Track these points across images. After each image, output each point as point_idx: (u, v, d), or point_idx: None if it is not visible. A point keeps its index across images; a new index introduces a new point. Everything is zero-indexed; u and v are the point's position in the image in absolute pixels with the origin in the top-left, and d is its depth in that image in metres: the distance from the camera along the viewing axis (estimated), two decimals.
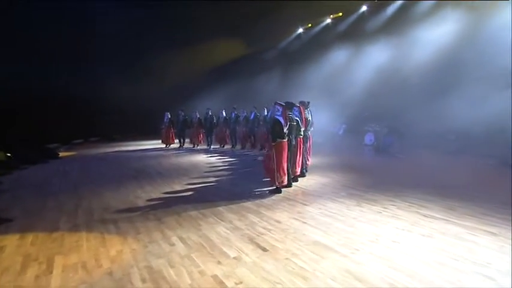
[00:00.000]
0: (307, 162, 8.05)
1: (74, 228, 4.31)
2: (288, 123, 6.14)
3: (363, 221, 4.43)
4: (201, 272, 3.09)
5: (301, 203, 5.37)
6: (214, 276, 3.01)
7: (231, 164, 9.61)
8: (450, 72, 10.91)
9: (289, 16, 16.78)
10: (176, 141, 14.43)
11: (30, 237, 3.96)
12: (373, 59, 14.39)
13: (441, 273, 2.99)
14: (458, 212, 4.66)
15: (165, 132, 14.35)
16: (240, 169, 8.68)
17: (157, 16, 14.84)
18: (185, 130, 14.19)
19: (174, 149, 13.83)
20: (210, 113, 14.04)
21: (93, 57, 15.26)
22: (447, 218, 4.43)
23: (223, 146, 13.85)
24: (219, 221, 4.55)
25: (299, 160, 6.95)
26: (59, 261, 3.33)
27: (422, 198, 5.39)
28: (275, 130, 5.85)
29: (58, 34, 13.60)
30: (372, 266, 3.14)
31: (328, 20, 16.89)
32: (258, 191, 6.12)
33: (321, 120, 14.54)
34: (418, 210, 4.82)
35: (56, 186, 6.77)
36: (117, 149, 13.90)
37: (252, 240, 3.84)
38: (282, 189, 6.15)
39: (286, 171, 6.02)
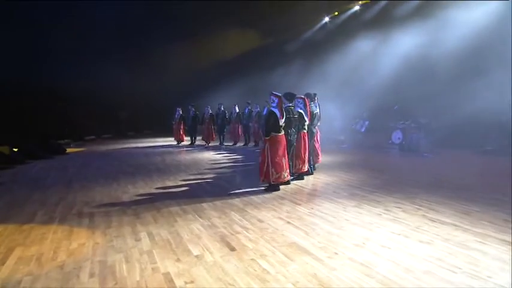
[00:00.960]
0: (318, 159, 7.82)
1: (49, 220, 4.44)
2: (285, 116, 5.96)
3: (356, 223, 4.17)
4: (155, 269, 3.03)
5: (294, 202, 5.19)
6: (166, 274, 2.94)
7: (236, 161, 9.56)
8: (491, 58, 10.12)
9: (313, 4, 16.49)
10: (187, 138, 14.61)
11: (0, 228, 4.12)
12: (402, 47, 13.73)
13: (422, 284, 2.72)
14: (474, 218, 4.27)
15: (176, 128, 14.59)
16: (243, 166, 8.60)
17: (167, 7, 15.12)
18: (196, 126, 14.34)
19: (185, 146, 14.03)
20: (222, 108, 14.10)
21: (104, 53, 15.84)
22: (458, 224, 4.07)
23: (235, 144, 13.83)
24: (198, 218, 4.49)
25: (305, 156, 6.74)
26: (17, 252, 3.42)
27: (436, 201, 5.01)
28: (269, 123, 5.70)
29: (70, 28, 14.28)
30: (344, 273, 2.93)
31: (356, 7, 16.39)
32: (253, 189, 6.00)
33: (342, 117, 14.29)
34: (426, 214, 4.47)
35: (50, 180, 7.06)
36: (127, 145, 14.35)
37: (222, 239, 3.74)
38: (281, 187, 6.00)
39: (284, 167, 5.84)
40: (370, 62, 14.77)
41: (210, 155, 10.83)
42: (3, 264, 3.16)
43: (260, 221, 4.34)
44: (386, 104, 14.05)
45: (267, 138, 5.75)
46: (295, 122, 6.29)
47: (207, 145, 13.91)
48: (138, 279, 2.87)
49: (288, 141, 6.19)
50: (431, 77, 11.94)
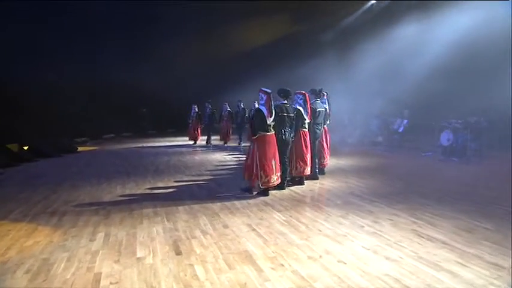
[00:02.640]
0: (324, 162, 7.81)
1: (21, 218, 4.99)
2: (278, 114, 6.06)
3: (327, 234, 4.20)
4: (89, 269, 3.36)
5: (275, 208, 5.29)
6: (97, 274, 3.24)
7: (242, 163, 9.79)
8: None
9: None
10: (203, 137, 15.10)
11: None
12: (453, 30, 13.08)
13: None
14: (476, 236, 4.09)
15: (192, 127, 15.15)
16: None
17: None
18: (213, 125, 14.78)
19: (201, 146, 14.54)
20: (242, 106, 14.39)
21: (122, 48, 16.91)
22: (448, 242, 3.93)
23: None
24: (165, 220, 4.78)
25: (307, 158, 6.77)
26: None
27: (442, 215, 4.87)
28: (255, 121, 5.84)
29: (85, 24, 15.46)
30: (277, 285, 3.02)
31: None
32: (242, 193, 6.18)
33: (380, 114, 13.90)
34: (418, 228, 4.37)
35: (45, 179, 7.80)
36: (142, 145, 15.20)
37: (175, 243, 3.98)
38: (273, 192, 6.12)
39: (273, 170, 5.95)
40: (415, 51, 14.21)
41: (220, 156, 11.16)
42: None
43: (225, 226, 4.53)
44: (429, 100, 13.46)
45: (254, 137, 5.90)
46: (289, 121, 6.34)
47: (226, 143, 14.28)
48: (68, 277, 3.21)
49: (282, 141, 6.28)
50: (481, 67, 11.25)
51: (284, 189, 6.43)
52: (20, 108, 12.87)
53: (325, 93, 9.31)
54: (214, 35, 17.56)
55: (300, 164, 6.72)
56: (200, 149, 13.51)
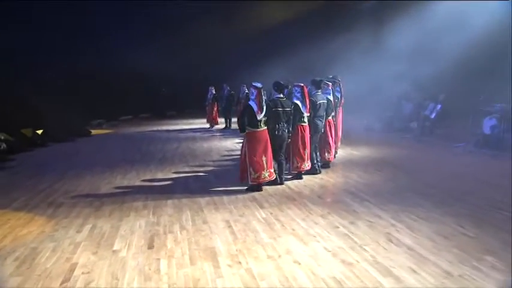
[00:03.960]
0: (329, 157, 8.19)
1: (22, 208, 5.91)
2: (268, 109, 6.52)
3: (298, 234, 4.73)
4: (68, 259, 4.12)
5: (260, 205, 5.87)
6: (73, 264, 4.00)
7: None
8: None
9: None
10: (221, 120, 15.80)
11: None
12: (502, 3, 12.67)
13: None
14: (447, 243, 4.40)
15: (209, 110, 15.89)
16: None
17: None
18: (231, 108, 15.41)
19: (218, 130, 15.27)
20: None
21: (140, 26, 17.76)
22: (414, 248, 4.28)
23: None
24: (150, 214, 5.51)
25: (304, 153, 7.22)
26: None
27: (429, 218, 5.21)
28: (243, 117, 6.36)
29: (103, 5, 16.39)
30: (227, 283, 3.61)
31: None
32: (237, 187, 6.78)
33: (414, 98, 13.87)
34: (393, 232, 4.76)
35: (52, 166, 8.82)
36: (157, 127, 16.19)
37: (151, 237, 4.69)
38: (266, 187, 6.68)
39: (264, 166, 6.46)
40: (453, 26, 13.87)
41: (231, 144, 11.80)
42: None
43: (204, 222, 5.18)
44: (467, 83, 13.22)
45: (242, 133, 6.45)
46: (285, 115, 6.78)
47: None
48: (47, 266, 3.99)
49: (278, 137, 6.76)
50: None
51: (282, 184, 6.96)
52: (37, 91, 14.08)
53: (338, 81, 9.62)
54: (235, 12, 17.91)
55: (297, 159, 7.19)
56: (214, 134, 14.21)
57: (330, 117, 8.17)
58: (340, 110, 10.10)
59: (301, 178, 7.33)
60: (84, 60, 16.75)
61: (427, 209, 5.58)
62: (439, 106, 13.62)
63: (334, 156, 8.70)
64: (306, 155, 7.28)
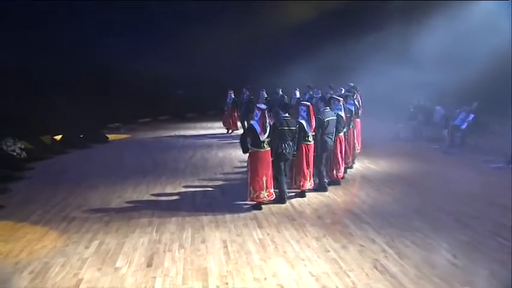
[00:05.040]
0: (337, 174, 8.75)
1: (38, 221, 6.86)
2: (275, 128, 7.21)
3: (289, 257, 5.39)
4: (75, 275, 4.97)
5: (258, 224, 6.58)
6: (79, 280, 4.83)
7: None
8: None
9: None
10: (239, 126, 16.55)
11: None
12: None
13: None
14: (432, 272, 4.92)
15: (227, 115, 16.69)
16: None
17: None
18: (249, 114, 16.13)
19: (237, 135, 16.02)
20: (280, 93, 15.49)
21: (157, 24, 18.78)
22: (397, 276, 4.83)
23: None
24: (153, 231, 6.32)
25: (306, 172, 7.83)
26: None
27: (421, 246, 5.69)
28: (245, 137, 7.09)
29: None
30: None
31: None
32: (241, 202, 7.53)
33: (446, 105, 14.09)
34: (381, 259, 5.31)
35: (69, 176, 9.87)
36: (174, 132, 17.18)
37: (151, 256, 5.48)
38: (269, 206, 7.38)
39: (263, 186, 7.15)
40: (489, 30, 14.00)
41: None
42: None
43: (203, 241, 5.94)
44: (502, 93, 13.33)
45: (245, 153, 7.18)
46: (291, 134, 7.43)
47: None
48: (57, 280, 4.85)
49: (283, 155, 7.42)
50: None
51: (284, 203, 7.62)
52: (53, 95, 15.31)
53: (354, 92, 10.19)
54: (259, 11, 18.60)
55: (300, 178, 7.81)
56: (231, 141, 14.97)
57: (341, 133, 8.74)
58: (357, 122, 10.68)
59: (304, 196, 7.94)
60: (102, 60, 17.93)
61: (424, 235, 6.10)
62: (471, 116, 13.56)
63: (345, 172, 9.27)
64: (309, 174, 7.90)
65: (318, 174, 8.34)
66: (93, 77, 17.61)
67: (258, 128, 7.04)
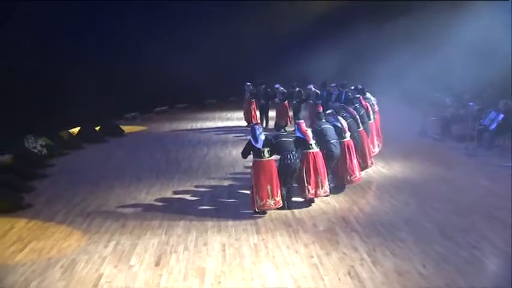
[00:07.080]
0: (351, 179, 10.30)
1: (63, 220, 8.92)
2: (277, 141, 8.97)
3: (276, 262, 7.11)
4: (97, 270, 6.94)
5: (257, 229, 8.37)
6: (100, 275, 6.78)
7: None
8: None
9: None
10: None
11: (31, 224, 8.79)
12: None
13: None
14: (400, 279, 6.63)
15: (247, 107, 18.42)
16: None
17: None
18: (268, 106, 17.85)
19: None
20: (297, 88, 17.07)
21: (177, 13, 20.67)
22: (365, 282, 6.48)
23: None
24: (163, 233, 8.23)
25: (317, 180, 9.48)
26: (31, 245, 7.85)
27: (398, 255, 7.23)
28: (246, 151, 8.94)
29: None
30: None
31: None
32: (245, 206, 9.33)
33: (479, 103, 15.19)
34: (356, 266, 6.78)
35: (87, 176, 11.96)
36: (191, 124, 19.15)
37: (160, 256, 7.39)
38: (272, 212, 9.16)
39: (269, 194, 8.90)
40: None
41: None
42: (21, 251, 7.64)
43: (205, 244, 7.81)
44: None
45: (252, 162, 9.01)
46: (293, 144, 9.12)
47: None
48: (82, 274, 6.84)
49: (288, 166, 9.05)
50: None
51: (288, 209, 9.30)
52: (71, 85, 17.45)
53: (359, 96, 11.88)
54: (276, 8, 20.22)
55: (312, 187, 9.29)
56: (248, 136, 16.70)
57: (348, 139, 10.31)
58: (371, 125, 12.26)
59: (312, 202, 9.61)
60: (118, 48, 20.00)
61: (405, 246, 7.61)
62: (501, 116, 14.38)
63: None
64: (320, 181, 9.47)
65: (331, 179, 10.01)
66: (111, 64, 19.53)
67: (252, 140, 8.92)
